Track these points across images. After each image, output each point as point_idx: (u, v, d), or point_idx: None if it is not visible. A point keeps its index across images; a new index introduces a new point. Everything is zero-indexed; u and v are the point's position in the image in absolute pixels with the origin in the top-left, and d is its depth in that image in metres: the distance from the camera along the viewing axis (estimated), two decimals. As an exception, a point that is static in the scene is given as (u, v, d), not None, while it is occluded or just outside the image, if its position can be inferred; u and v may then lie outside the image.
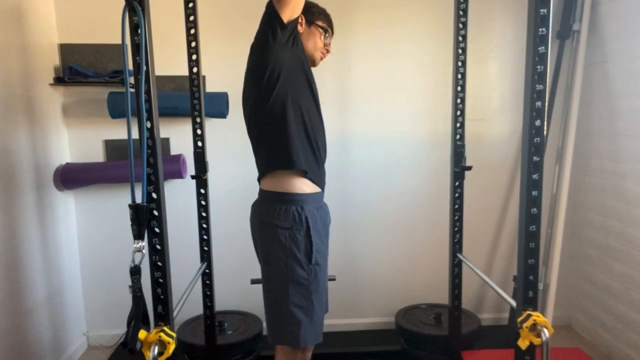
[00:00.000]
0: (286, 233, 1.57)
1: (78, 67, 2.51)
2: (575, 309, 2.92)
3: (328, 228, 1.76)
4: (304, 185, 1.62)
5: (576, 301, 2.90)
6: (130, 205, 1.30)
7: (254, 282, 1.85)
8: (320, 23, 1.73)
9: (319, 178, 1.68)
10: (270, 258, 1.62)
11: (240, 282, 2.80)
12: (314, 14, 1.71)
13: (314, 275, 1.60)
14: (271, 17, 1.52)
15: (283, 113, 1.57)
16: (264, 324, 2.60)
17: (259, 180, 1.72)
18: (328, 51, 1.79)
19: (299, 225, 1.58)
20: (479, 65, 2.76)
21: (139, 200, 1.32)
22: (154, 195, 1.36)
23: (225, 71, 2.61)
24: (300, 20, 1.63)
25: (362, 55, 2.73)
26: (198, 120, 2.17)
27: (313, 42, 1.72)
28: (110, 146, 2.66)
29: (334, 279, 1.93)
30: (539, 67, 1.40)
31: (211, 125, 2.60)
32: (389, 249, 2.90)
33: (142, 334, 1.30)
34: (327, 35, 1.75)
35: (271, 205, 1.62)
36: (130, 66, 1.31)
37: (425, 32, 2.74)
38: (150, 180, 1.36)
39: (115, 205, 2.69)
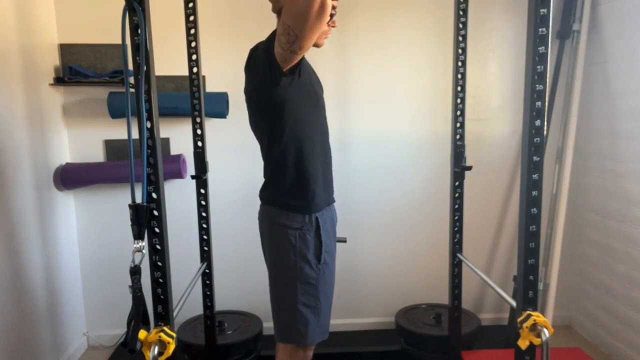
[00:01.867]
0: (296, 233, 1.58)
1: (78, 67, 2.51)
2: (575, 309, 2.92)
3: (335, 227, 1.77)
4: None
5: (576, 301, 2.90)
6: (130, 205, 1.29)
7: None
8: None
9: (327, 202, 1.71)
10: (279, 258, 1.62)
11: (240, 282, 2.80)
12: None
13: (322, 274, 1.61)
14: (273, 69, 1.42)
15: (296, 149, 1.56)
16: (264, 324, 2.60)
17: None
18: (334, 26, 1.67)
19: (309, 226, 1.59)
20: (479, 65, 2.76)
21: (139, 200, 1.32)
22: (154, 195, 1.36)
23: (225, 71, 2.61)
24: None
25: (362, 56, 2.73)
26: (198, 120, 2.17)
27: None
28: (110, 146, 2.66)
29: (344, 241, 1.89)
30: (539, 67, 1.40)
31: (211, 125, 2.60)
32: (389, 249, 2.90)
33: (142, 334, 1.30)
34: (331, 15, 1.64)
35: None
36: (130, 66, 1.31)
37: (425, 32, 2.74)
38: (150, 180, 1.36)
39: (115, 205, 2.69)
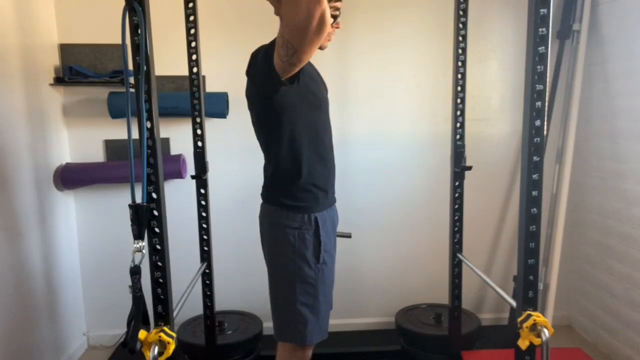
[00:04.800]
0: (295, 233, 1.58)
1: (78, 67, 2.51)
2: (575, 309, 2.92)
3: (336, 227, 1.77)
4: None
5: (576, 301, 2.90)
6: (130, 205, 1.29)
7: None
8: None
9: (329, 198, 1.70)
10: (278, 257, 1.62)
11: (240, 282, 2.80)
12: None
13: (320, 274, 1.61)
14: (272, 76, 1.40)
15: (295, 147, 1.56)
16: (264, 324, 2.60)
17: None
18: (338, 27, 1.63)
19: (308, 225, 1.59)
20: (479, 65, 2.76)
21: (139, 200, 1.32)
22: (154, 195, 1.36)
23: (225, 71, 2.61)
24: None
25: (362, 55, 2.73)
26: (198, 120, 2.17)
27: None
28: (110, 146, 2.66)
29: (349, 236, 1.87)
30: (539, 67, 1.40)
31: (211, 125, 2.60)
32: (389, 249, 2.90)
33: (142, 334, 1.30)
34: (335, 17, 1.61)
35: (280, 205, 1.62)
36: (130, 66, 1.31)
37: (425, 32, 2.74)
38: (150, 180, 1.36)
39: (115, 205, 2.69)
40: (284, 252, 1.59)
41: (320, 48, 1.59)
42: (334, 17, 1.59)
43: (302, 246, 1.58)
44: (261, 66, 1.44)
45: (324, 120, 1.69)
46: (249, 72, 1.55)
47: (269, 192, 1.66)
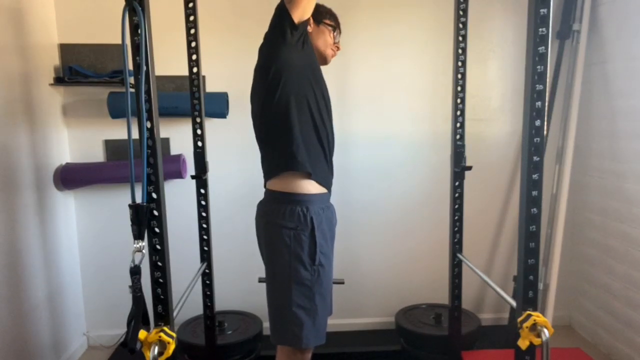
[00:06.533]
0: (291, 233, 1.57)
1: (78, 67, 2.51)
2: (575, 309, 2.92)
3: (334, 229, 1.76)
4: (310, 186, 1.62)
5: (576, 301, 2.90)
6: (130, 205, 1.30)
7: (261, 280, 1.86)
8: (327, 21, 1.76)
9: (325, 179, 1.68)
10: (274, 258, 1.62)
11: (240, 282, 2.80)
12: (321, 13, 1.75)
13: (317, 276, 1.60)
14: (282, 17, 1.52)
15: (288, 113, 1.57)
16: (264, 324, 2.60)
17: (265, 180, 1.72)
18: (338, 48, 1.82)
19: (304, 226, 1.58)
20: (479, 65, 2.76)
21: (139, 200, 1.32)
22: (154, 195, 1.36)
23: (225, 71, 2.61)
24: (309, 21, 1.64)
25: (362, 55, 2.73)
26: (198, 120, 2.17)
27: (323, 39, 1.75)
28: (110, 146, 2.66)
29: (342, 283, 1.92)
30: (539, 67, 1.40)
31: (211, 125, 2.60)
32: (389, 249, 2.90)
33: (142, 334, 1.30)
34: (336, 32, 1.79)
35: (277, 205, 1.62)
36: (130, 66, 1.31)
37: (425, 32, 2.74)
38: (150, 180, 1.36)
39: (115, 205, 2.69)
40: (279, 253, 1.59)
41: (324, 63, 1.78)
42: (332, 28, 1.78)
43: (297, 247, 1.57)
44: (274, 14, 1.56)
45: (324, 98, 1.70)
46: (261, 46, 1.62)
47: (270, 171, 1.66)
